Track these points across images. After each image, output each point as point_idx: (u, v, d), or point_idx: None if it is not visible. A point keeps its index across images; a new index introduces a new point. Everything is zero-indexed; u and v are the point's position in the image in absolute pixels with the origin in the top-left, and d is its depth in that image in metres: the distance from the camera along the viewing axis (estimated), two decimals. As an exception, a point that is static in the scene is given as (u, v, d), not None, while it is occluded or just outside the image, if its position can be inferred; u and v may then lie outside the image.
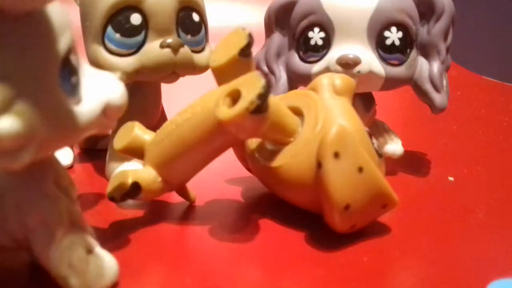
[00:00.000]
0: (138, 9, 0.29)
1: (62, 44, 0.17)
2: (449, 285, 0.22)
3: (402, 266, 0.24)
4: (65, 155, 0.36)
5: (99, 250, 0.20)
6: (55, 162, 0.20)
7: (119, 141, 0.28)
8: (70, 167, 0.36)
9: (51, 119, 0.16)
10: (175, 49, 0.29)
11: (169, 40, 0.29)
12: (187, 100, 0.26)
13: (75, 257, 0.19)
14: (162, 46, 0.29)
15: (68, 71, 0.17)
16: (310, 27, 0.33)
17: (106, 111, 0.19)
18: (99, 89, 0.19)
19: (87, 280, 0.19)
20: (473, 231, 0.27)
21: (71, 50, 0.18)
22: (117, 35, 0.29)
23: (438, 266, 0.23)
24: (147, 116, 0.30)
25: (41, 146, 0.16)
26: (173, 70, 0.30)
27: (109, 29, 0.29)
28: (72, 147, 0.37)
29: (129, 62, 0.29)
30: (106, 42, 0.29)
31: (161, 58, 0.29)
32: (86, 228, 0.20)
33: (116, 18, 0.29)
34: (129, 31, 0.29)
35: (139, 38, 0.29)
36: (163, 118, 0.35)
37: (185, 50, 0.29)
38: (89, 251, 0.20)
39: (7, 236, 0.19)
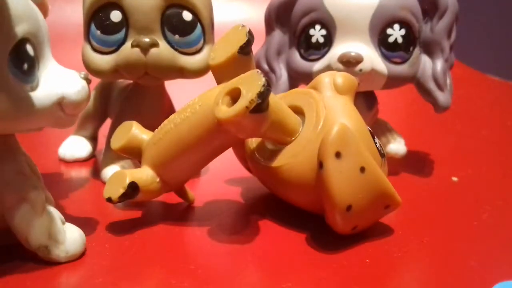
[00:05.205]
0: (118, 6, 0.28)
1: (17, 32, 0.19)
2: (453, 287, 0.22)
3: (405, 268, 0.24)
4: (82, 148, 0.37)
5: (67, 223, 0.23)
6: (20, 146, 0.23)
7: (116, 141, 0.27)
8: (85, 160, 0.37)
9: None
10: (144, 48, 0.28)
11: (140, 39, 0.28)
12: (187, 99, 0.26)
13: (54, 228, 0.22)
14: (132, 45, 0.28)
15: (20, 57, 0.19)
16: (311, 24, 0.33)
17: (62, 103, 0.21)
18: (57, 82, 0.21)
19: (66, 247, 0.22)
20: (477, 232, 0.27)
21: (27, 40, 0.20)
22: (98, 32, 0.28)
23: (442, 268, 0.23)
24: (146, 118, 0.29)
25: None
26: (145, 71, 0.28)
27: (92, 26, 0.29)
28: (91, 140, 0.37)
29: (107, 60, 0.29)
30: (90, 39, 0.29)
31: (130, 58, 0.28)
32: (54, 204, 0.23)
33: (98, 15, 0.28)
34: (109, 28, 0.28)
35: (119, 36, 0.28)
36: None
37: (158, 51, 0.28)
38: (63, 222, 0.23)
39: None
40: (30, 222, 0.21)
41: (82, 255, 0.23)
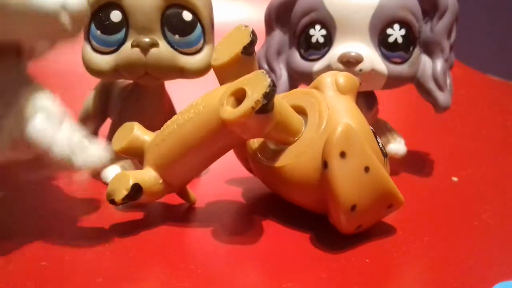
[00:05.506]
0: (118, 6, 0.28)
1: None
2: (453, 287, 0.22)
3: (405, 267, 0.24)
4: None
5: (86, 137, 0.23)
6: None
7: (118, 142, 0.27)
8: None
9: None
10: (144, 48, 0.28)
11: (140, 39, 0.28)
12: (187, 99, 0.26)
13: (75, 139, 0.22)
14: (132, 45, 0.28)
15: None
16: (311, 24, 0.32)
17: (66, 8, 0.21)
18: None
19: (86, 157, 0.22)
20: (477, 232, 0.27)
21: None
22: (98, 32, 0.28)
23: (442, 267, 0.23)
24: (146, 118, 0.29)
25: None
26: (146, 71, 0.28)
27: (92, 26, 0.28)
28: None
29: (107, 60, 0.28)
30: (91, 39, 0.29)
31: (130, 58, 0.28)
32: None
33: (98, 15, 0.28)
34: (109, 28, 0.28)
35: (119, 36, 0.28)
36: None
37: (158, 51, 0.28)
38: (84, 135, 0.23)
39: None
40: (53, 132, 0.21)
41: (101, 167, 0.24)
